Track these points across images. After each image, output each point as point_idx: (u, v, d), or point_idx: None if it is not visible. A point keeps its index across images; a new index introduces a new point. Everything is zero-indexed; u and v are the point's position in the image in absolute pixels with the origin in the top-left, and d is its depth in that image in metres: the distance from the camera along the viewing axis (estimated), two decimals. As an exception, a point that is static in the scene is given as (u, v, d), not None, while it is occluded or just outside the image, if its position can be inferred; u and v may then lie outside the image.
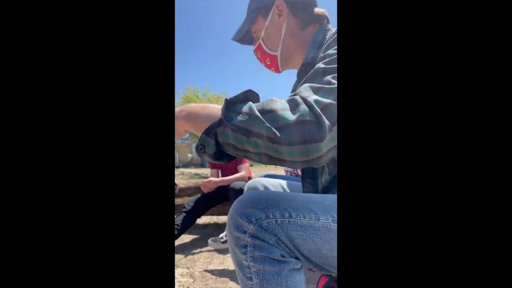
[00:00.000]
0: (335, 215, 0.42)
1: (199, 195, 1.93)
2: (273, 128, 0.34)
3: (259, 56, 0.63)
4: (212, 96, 18.85)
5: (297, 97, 0.36)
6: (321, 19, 0.59)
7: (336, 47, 0.42)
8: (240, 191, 1.60)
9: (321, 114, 0.34)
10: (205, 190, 1.86)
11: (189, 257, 1.64)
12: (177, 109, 0.44)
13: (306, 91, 0.37)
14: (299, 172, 1.76)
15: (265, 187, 0.75)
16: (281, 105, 0.35)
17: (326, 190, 0.60)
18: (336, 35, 0.47)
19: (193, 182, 2.53)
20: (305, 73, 0.53)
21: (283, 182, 0.78)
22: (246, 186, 0.78)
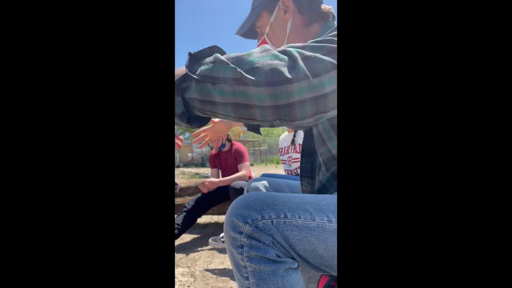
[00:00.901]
0: (331, 216, 0.43)
1: (199, 194, 1.94)
2: (238, 68, 0.31)
3: None
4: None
5: (272, 48, 0.33)
6: (326, 16, 0.58)
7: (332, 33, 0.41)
8: (240, 191, 1.60)
9: (298, 57, 0.31)
10: (205, 190, 1.86)
11: (190, 256, 1.64)
12: None
13: (286, 46, 0.34)
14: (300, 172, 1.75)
15: (265, 187, 0.75)
16: (248, 53, 0.33)
17: (324, 189, 0.60)
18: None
19: (193, 181, 2.53)
20: None
21: (283, 182, 0.78)
22: (246, 186, 0.78)
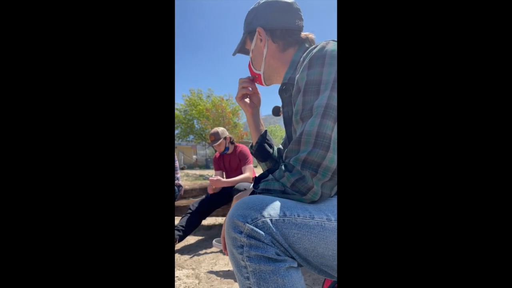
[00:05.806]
0: (330, 214, 0.44)
1: (204, 196, 1.94)
2: (282, 184, 0.47)
3: (250, 71, 0.75)
4: (216, 98, 18.95)
5: (284, 165, 0.49)
6: (302, 42, 0.66)
7: (305, 71, 0.50)
8: (244, 192, 1.59)
9: (301, 171, 0.45)
10: (210, 191, 1.87)
11: (195, 258, 1.65)
12: None
13: (290, 152, 0.48)
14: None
15: None
16: (279, 174, 0.48)
17: None
18: (309, 55, 0.52)
19: (197, 183, 2.54)
20: (284, 92, 0.64)
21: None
22: (251, 187, 0.79)
